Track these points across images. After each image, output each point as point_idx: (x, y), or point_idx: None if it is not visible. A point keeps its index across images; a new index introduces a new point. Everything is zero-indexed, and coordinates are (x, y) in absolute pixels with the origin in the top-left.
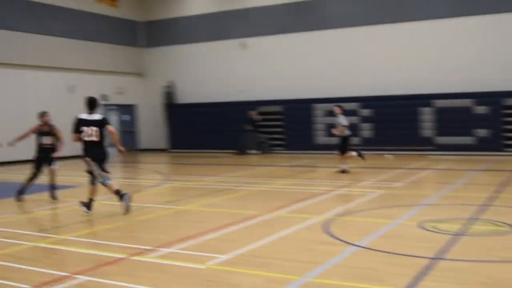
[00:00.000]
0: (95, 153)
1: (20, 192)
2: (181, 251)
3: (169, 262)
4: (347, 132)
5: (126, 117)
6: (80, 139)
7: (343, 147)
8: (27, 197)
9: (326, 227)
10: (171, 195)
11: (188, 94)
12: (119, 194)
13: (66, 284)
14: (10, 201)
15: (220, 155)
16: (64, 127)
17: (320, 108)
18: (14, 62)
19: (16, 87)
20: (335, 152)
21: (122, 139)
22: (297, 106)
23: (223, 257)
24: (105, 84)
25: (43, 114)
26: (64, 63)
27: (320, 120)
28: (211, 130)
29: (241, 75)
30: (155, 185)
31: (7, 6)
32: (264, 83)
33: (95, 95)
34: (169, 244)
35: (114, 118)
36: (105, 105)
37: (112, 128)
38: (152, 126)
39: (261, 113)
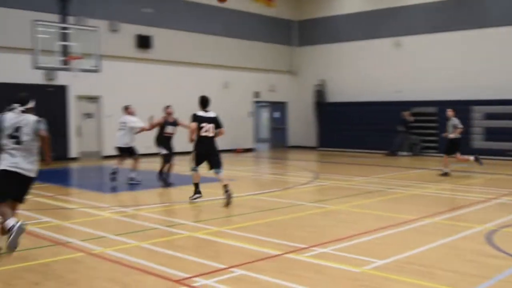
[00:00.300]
0: (209, 147)
1: (165, 181)
2: (334, 252)
3: (323, 262)
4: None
5: (277, 114)
6: (196, 132)
7: (450, 149)
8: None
9: (489, 238)
10: (321, 194)
11: (339, 93)
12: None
13: (222, 276)
14: (160, 190)
15: (368, 155)
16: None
17: (478, 111)
18: (184, 60)
19: (184, 82)
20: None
21: (272, 135)
22: (452, 108)
23: (379, 262)
24: (257, 81)
25: (168, 107)
26: (221, 60)
27: (478, 123)
28: (360, 130)
29: (393, 75)
30: (305, 182)
31: (171, 6)
32: (418, 83)
33: (248, 92)
34: (322, 244)
35: (265, 115)
36: (257, 102)
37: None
38: (301, 123)
39: (414, 114)
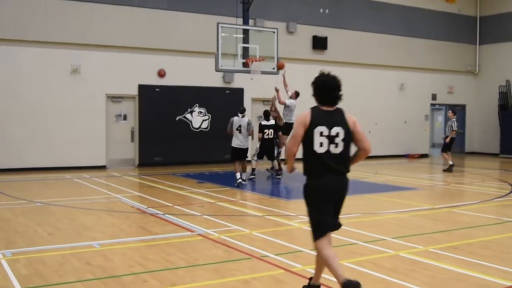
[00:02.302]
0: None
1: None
2: None
3: None
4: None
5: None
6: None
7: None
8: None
9: None
10: None
11: None
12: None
13: None
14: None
15: None
16: (395, 125)
17: None
18: (359, 61)
19: (359, 84)
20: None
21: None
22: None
23: None
24: (435, 83)
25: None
26: (397, 61)
27: None
28: None
29: None
30: (503, 195)
31: (347, 6)
32: None
33: (425, 93)
34: None
35: (440, 119)
36: (433, 104)
37: None
38: (482, 128)
39: None
